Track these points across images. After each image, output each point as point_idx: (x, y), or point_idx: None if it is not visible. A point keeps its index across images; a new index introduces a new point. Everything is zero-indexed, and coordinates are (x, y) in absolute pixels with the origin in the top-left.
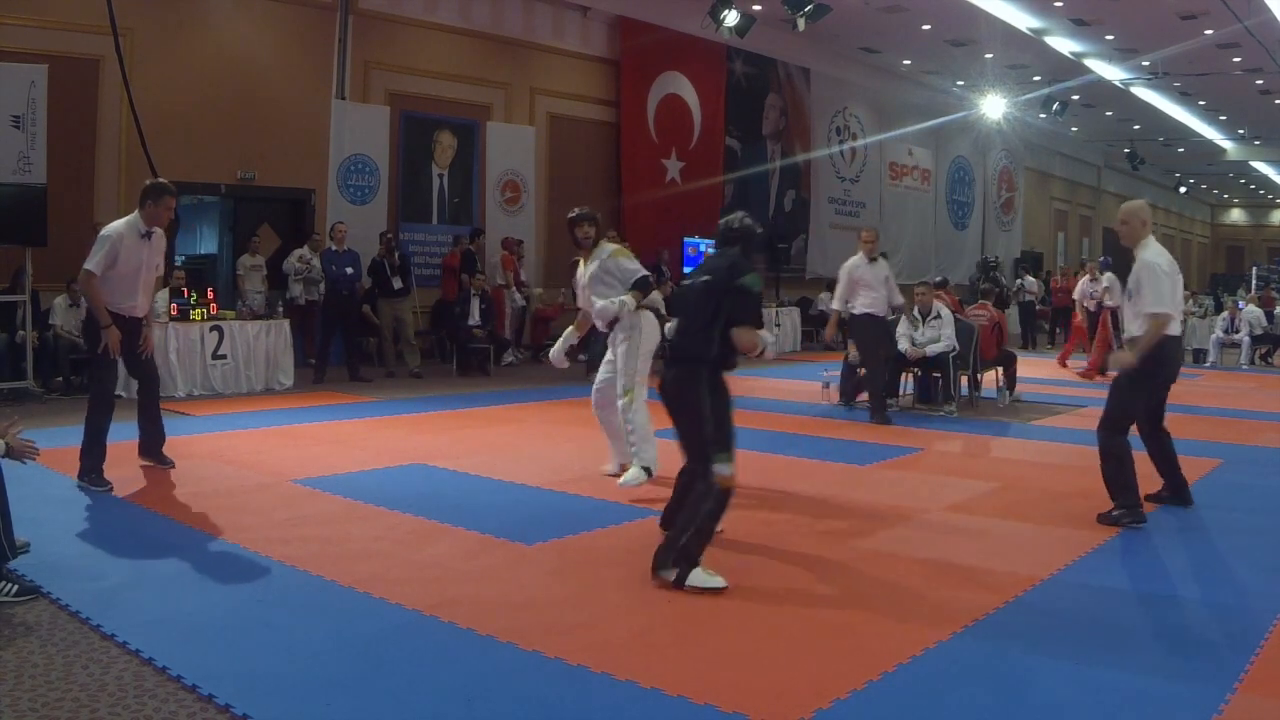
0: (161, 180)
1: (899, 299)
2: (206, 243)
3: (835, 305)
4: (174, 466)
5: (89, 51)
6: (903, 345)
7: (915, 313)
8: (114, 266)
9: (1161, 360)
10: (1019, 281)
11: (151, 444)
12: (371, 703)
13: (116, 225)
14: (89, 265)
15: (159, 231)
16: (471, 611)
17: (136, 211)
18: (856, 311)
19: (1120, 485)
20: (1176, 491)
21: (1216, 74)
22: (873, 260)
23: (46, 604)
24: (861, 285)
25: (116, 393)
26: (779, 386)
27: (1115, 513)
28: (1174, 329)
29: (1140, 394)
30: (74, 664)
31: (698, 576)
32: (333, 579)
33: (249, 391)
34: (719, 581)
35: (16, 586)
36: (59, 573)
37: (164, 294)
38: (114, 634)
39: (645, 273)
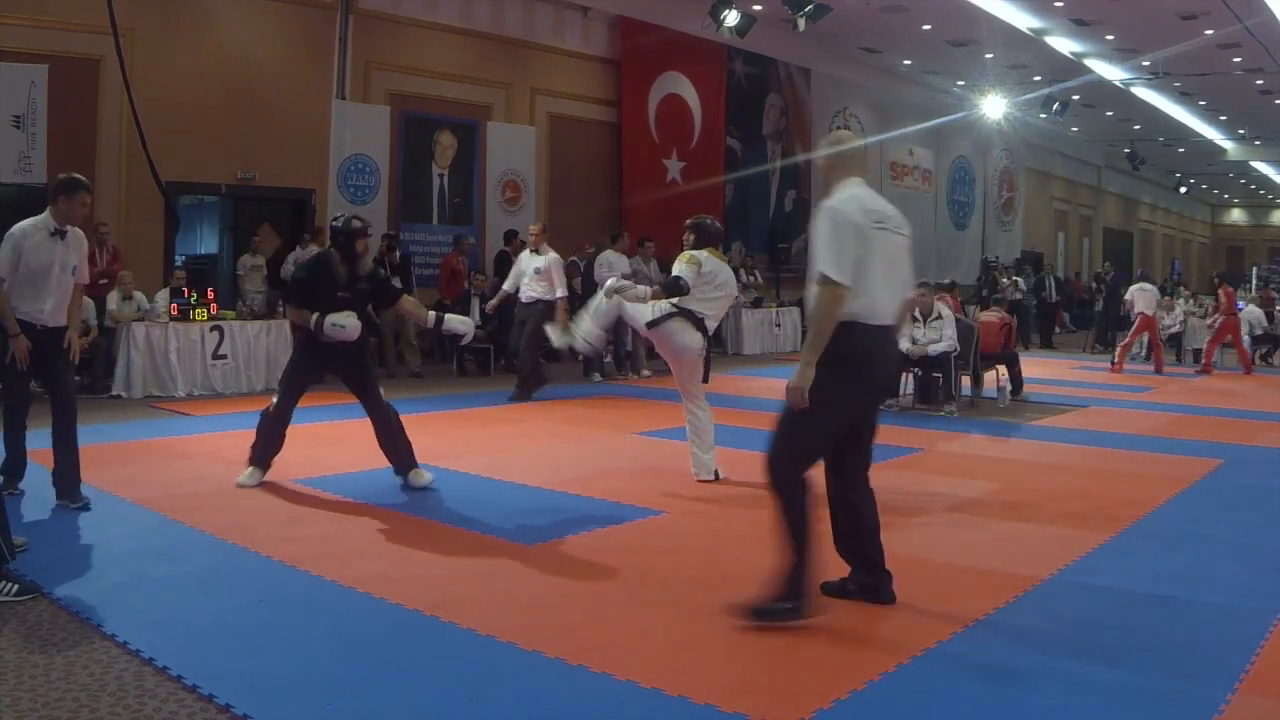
0: (76, 175)
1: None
2: (207, 243)
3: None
4: (88, 509)
5: (89, 51)
6: (903, 345)
7: (916, 313)
8: (18, 268)
9: (851, 359)
10: (1015, 279)
11: (64, 480)
12: (372, 702)
13: (22, 223)
14: None
15: (76, 232)
16: (472, 611)
17: (48, 208)
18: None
19: (784, 553)
20: (870, 581)
21: (1217, 74)
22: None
23: (47, 604)
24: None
25: (115, 392)
26: (779, 386)
27: (768, 604)
28: (873, 313)
29: (825, 413)
30: (74, 664)
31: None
32: (333, 579)
33: (249, 391)
34: (253, 479)
35: (17, 586)
36: (59, 573)
37: (164, 294)
38: (114, 634)
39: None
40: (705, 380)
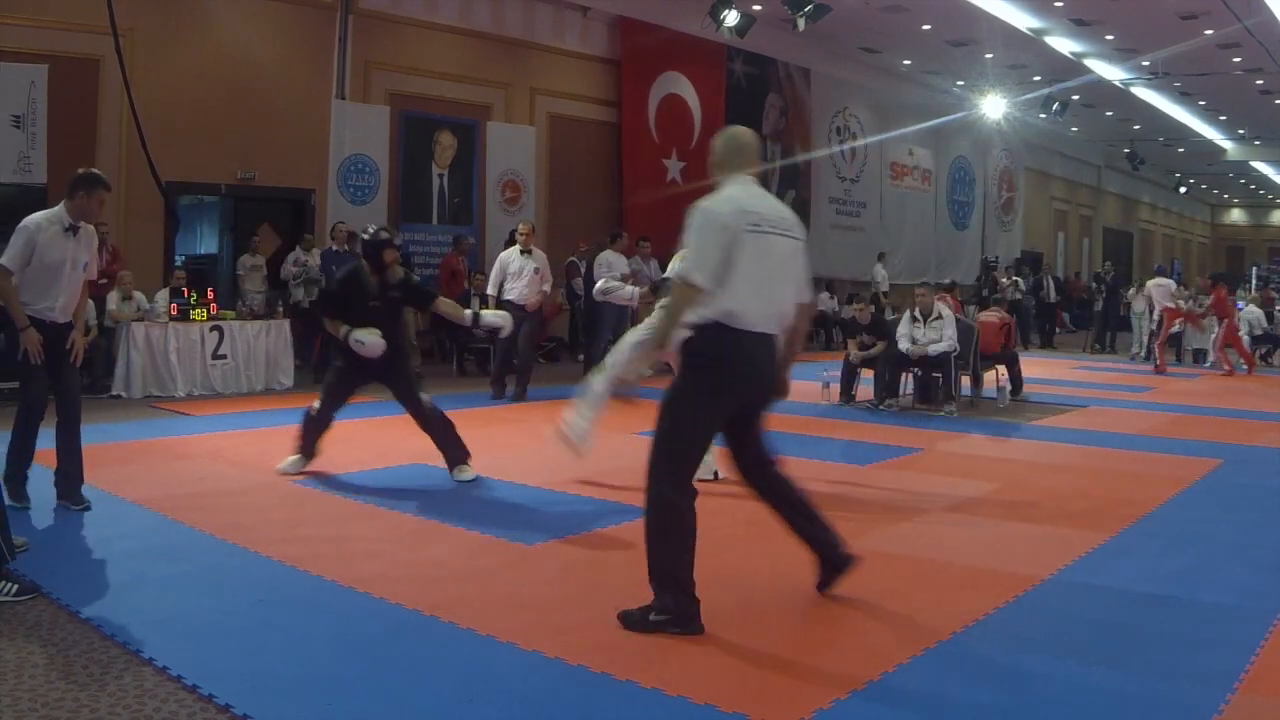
0: (96, 171)
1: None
2: (206, 243)
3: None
4: (88, 509)
5: (89, 51)
6: (903, 345)
7: (916, 313)
8: (30, 262)
9: (715, 363)
10: (1015, 279)
11: (67, 481)
12: (372, 703)
13: (36, 216)
14: (2, 260)
15: (88, 228)
16: (472, 611)
17: (63, 202)
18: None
19: (662, 571)
20: (829, 559)
21: (1216, 74)
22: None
23: (46, 604)
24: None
25: (115, 392)
26: None
27: (652, 615)
28: (739, 318)
29: (694, 419)
30: (74, 664)
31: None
32: (333, 579)
33: (249, 391)
34: (295, 466)
35: (16, 585)
36: (59, 573)
37: (164, 294)
38: (114, 634)
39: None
40: None
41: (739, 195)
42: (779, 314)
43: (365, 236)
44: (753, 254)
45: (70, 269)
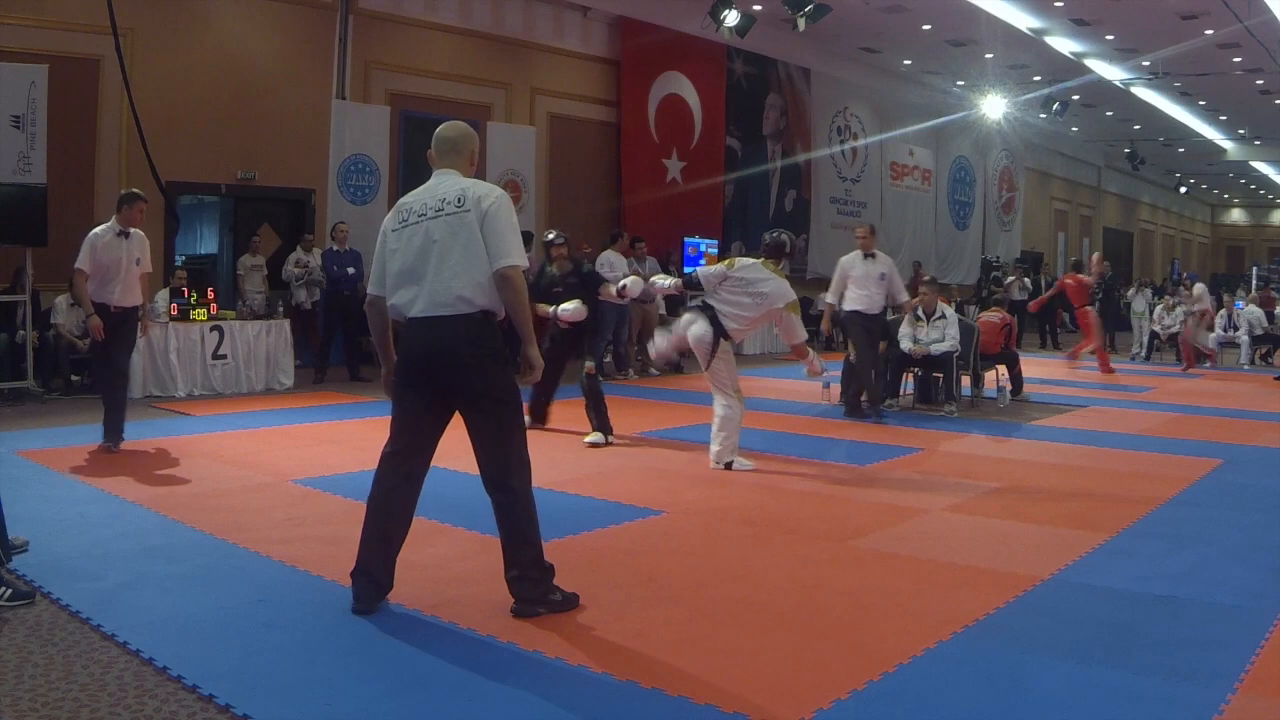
0: (135, 190)
1: (902, 296)
2: (207, 243)
3: (829, 299)
4: (116, 451)
5: (89, 51)
6: (905, 345)
7: (919, 312)
8: (95, 262)
9: (398, 354)
10: (1010, 279)
11: (107, 429)
12: (371, 703)
13: (96, 229)
14: (78, 264)
15: (138, 232)
16: (471, 611)
17: (114, 216)
18: (846, 308)
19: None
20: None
21: (1217, 74)
22: (868, 256)
23: (47, 604)
24: (852, 281)
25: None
26: (779, 386)
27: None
28: (399, 310)
29: (393, 404)
30: (74, 664)
31: None
32: (333, 579)
33: (249, 391)
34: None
35: (10, 590)
36: (59, 573)
37: (164, 294)
38: (114, 634)
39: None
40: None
41: (414, 193)
42: (438, 295)
43: (545, 241)
44: (394, 248)
45: (126, 264)
